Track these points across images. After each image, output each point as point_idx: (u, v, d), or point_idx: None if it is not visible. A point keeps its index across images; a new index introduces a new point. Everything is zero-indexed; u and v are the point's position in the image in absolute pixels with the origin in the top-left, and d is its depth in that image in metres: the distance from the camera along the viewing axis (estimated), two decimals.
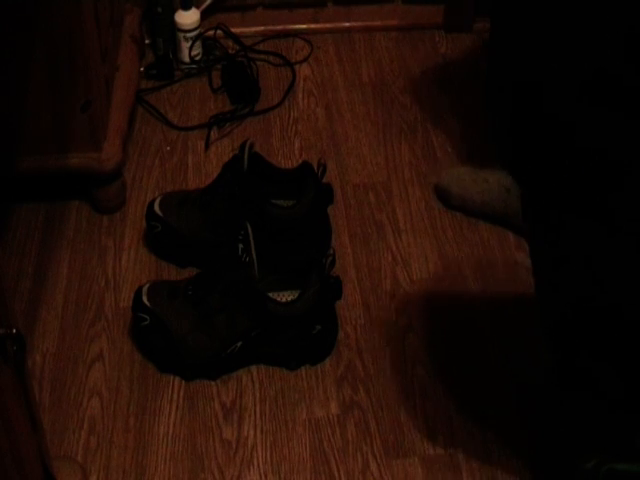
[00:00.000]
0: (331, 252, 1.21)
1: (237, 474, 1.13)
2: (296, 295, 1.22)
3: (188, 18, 1.65)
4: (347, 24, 1.79)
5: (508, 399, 1.21)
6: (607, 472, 1.04)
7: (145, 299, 1.22)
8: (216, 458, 1.15)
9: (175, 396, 1.21)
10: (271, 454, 1.15)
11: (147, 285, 1.24)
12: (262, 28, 1.77)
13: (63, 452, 1.15)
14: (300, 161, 1.35)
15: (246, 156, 1.28)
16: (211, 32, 1.70)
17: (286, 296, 1.24)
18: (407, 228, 1.42)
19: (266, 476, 1.13)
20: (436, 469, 1.14)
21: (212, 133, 1.57)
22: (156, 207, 1.35)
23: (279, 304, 1.20)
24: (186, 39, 1.66)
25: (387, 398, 1.21)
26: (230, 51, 1.72)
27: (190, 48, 1.67)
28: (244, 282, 1.17)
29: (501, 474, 1.14)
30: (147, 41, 1.71)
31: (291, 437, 1.17)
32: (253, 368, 1.24)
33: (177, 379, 1.23)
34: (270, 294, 1.21)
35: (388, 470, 1.14)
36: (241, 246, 1.18)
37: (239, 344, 1.20)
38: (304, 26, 1.78)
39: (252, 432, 1.17)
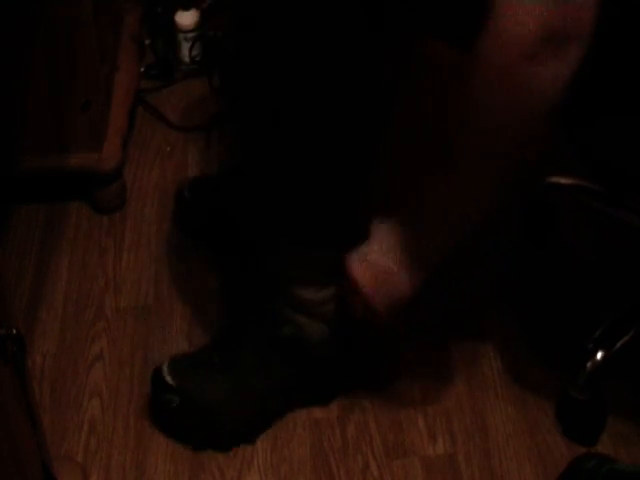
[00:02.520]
0: None
1: (237, 474, 1.13)
2: None
3: (188, 18, 1.65)
4: None
5: (509, 398, 1.21)
6: (607, 472, 1.04)
7: (169, 379, 1.12)
8: (216, 458, 1.15)
9: None
10: (271, 454, 1.15)
11: (166, 364, 1.14)
12: None
13: (63, 452, 1.15)
14: None
15: None
16: (211, 32, 1.70)
17: None
18: None
19: (266, 476, 1.13)
20: (436, 470, 1.14)
21: (212, 133, 1.57)
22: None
23: (314, 346, 1.14)
24: (186, 39, 1.66)
25: (387, 398, 1.21)
26: (230, 51, 1.72)
27: (190, 48, 1.67)
28: (275, 333, 1.12)
29: (501, 475, 1.14)
30: (147, 41, 1.71)
31: (291, 437, 1.17)
32: None
33: None
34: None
35: (388, 470, 1.14)
36: (264, 297, 1.14)
37: (278, 398, 1.15)
38: None
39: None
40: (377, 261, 1.03)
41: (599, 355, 1.13)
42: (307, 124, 0.96)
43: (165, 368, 1.14)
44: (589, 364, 1.13)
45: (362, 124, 0.98)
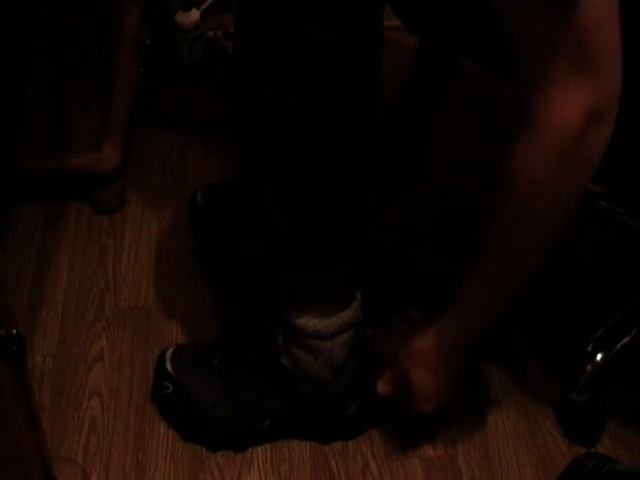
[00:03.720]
0: (369, 332, 1.14)
1: (237, 474, 1.13)
2: None
3: (188, 18, 1.65)
4: None
5: (509, 399, 1.21)
6: (607, 472, 1.04)
7: (168, 366, 1.16)
8: (216, 458, 1.15)
9: None
10: (271, 454, 1.15)
11: (171, 349, 1.18)
12: None
13: (63, 452, 1.15)
14: None
15: None
16: (211, 32, 1.70)
17: None
18: None
19: (266, 476, 1.13)
20: (436, 470, 1.14)
21: (212, 133, 1.57)
22: (199, 198, 1.36)
23: (311, 385, 1.11)
24: (186, 39, 1.66)
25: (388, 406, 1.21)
26: (230, 51, 1.72)
27: (190, 48, 1.67)
28: (271, 358, 1.11)
29: (501, 475, 1.14)
30: (147, 41, 1.71)
31: (291, 437, 1.17)
32: None
33: None
34: None
35: (388, 470, 1.14)
36: (266, 318, 1.11)
37: (267, 423, 1.13)
38: None
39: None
40: (438, 368, 1.06)
41: (599, 357, 1.13)
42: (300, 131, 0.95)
43: (168, 354, 1.17)
44: (589, 366, 1.13)
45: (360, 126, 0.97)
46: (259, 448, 1.15)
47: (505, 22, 0.82)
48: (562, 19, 0.78)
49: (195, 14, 1.66)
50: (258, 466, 1.14)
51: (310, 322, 1.06)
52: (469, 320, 1.02)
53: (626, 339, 1.14)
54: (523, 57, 0.83)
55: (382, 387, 1.11)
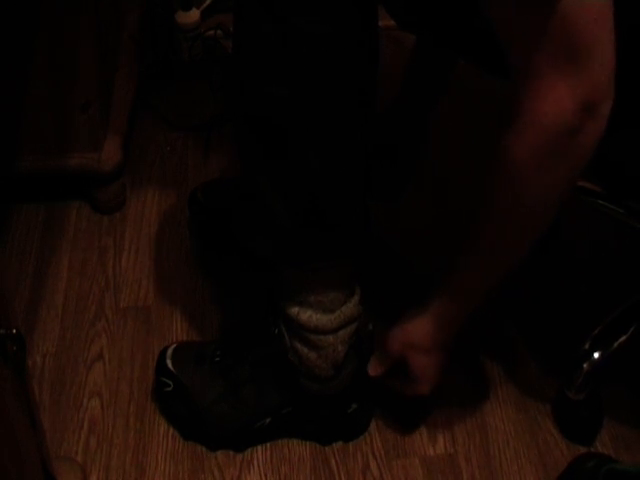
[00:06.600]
0: (370, 328, 1.14)
1: (237, 474, 1.13)
2: None
3: (188, 18, 1.65)
4: None
5: (509, 398, 1.21)
6: (607, 471, 1.04)
7: (169, 363, 1.15)
8: (216, 458, 1.15)
9: None
10: (271, 454, 1.15)
11: (172, 347, 1.18)
12: None
13: (63, 452, 1.15)
14: None
15: None
16: (211, 32, 1.70)
17: None
18: None
19: (266, 476, 1.13)
20: (436, 469, 1.14)
21: (212, 133, 1.57)
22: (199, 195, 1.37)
23: (313, 381, 1.11)
24: (186, 39, 1.66)
25: (387, 398, 1.21)
26: (230, 51, 1.72)
27: (190, 48, 1.67)
28: (276, 355, 1.10)
29: (501, 475, 1.14)
30: (147, 41, 1.71)
31: (291, 436, 1.17)
32: None
33: None
34: None
35: (388, 470, 1.14)
36: (271, 318, 1.11)
37: (268, 420, 1.13)
38: None
39: None
40: (430, 348, 1.06)
41: (596, 355, 1.13)
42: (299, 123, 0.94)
43: (169, 352, 1.17)
44: (586, 364, 1.13)
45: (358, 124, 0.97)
46: (259, 448, 1.16)
47: (489, 16, 0.82)
48: (547, 13, 0.78)
49: (195, 14, 1.66)
50: (258, 466, 1.14)
51: (313, 317, 1.06)
52: (462, 304, 1.02)
53: (623, 337, 1.14)
54: (511, 52, 0.83)
55: (372, 368, 1.12)
